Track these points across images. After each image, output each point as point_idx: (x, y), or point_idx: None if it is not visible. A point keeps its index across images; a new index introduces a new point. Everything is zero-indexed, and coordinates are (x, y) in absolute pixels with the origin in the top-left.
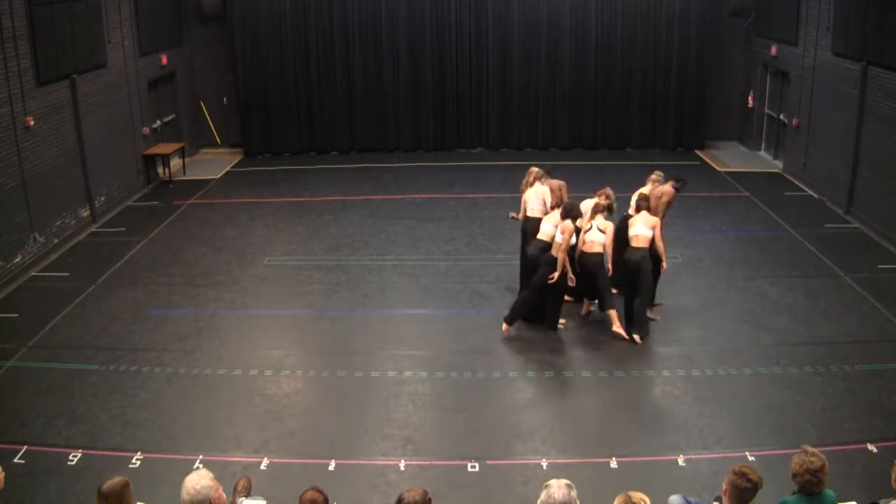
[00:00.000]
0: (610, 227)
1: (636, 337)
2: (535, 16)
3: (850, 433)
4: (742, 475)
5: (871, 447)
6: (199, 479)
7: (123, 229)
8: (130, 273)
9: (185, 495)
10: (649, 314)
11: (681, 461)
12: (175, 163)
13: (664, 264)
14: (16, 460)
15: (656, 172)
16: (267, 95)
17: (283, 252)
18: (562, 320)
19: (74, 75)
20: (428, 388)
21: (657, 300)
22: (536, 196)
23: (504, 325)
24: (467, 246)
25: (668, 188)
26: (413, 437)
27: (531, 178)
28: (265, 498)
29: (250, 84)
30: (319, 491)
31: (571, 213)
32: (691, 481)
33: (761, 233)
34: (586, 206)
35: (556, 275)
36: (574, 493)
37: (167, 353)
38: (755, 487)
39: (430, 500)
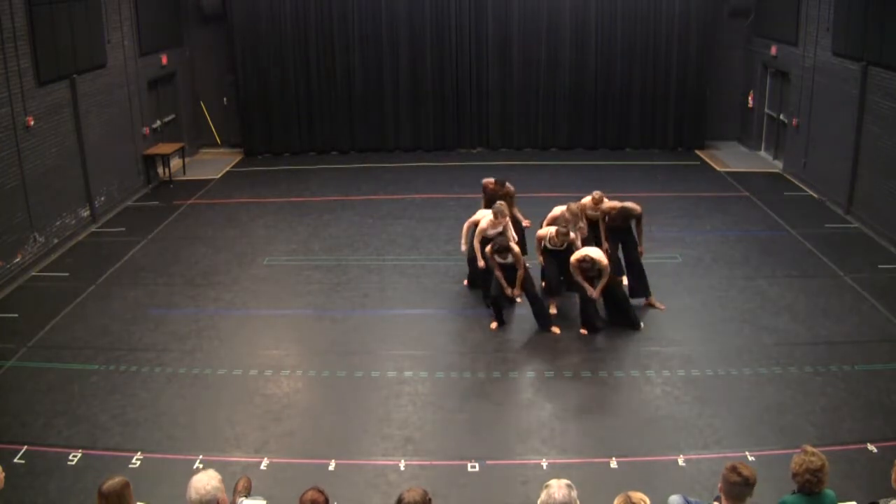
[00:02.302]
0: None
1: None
2: (536, 16)
3: (850, 433)
4: (733, 469)
5: (871, 447)
6: (208, 480)
7: (123, 229)
8: (130, 273)
9: (194, 494)
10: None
11: (681, 461)
12: (175, 163)
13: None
14: (16, 460)
15: (598, 193)
16: (267, 95)
17: (283, 252)
18: (555, 328)
19: (74, 75)
20: (428, 388)
21: (657, 299)
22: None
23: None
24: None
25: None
26: (413, 437)
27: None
28: (265, 498)
29: (250, 84)
30: (320, 491)
31: (498, 244)
32: (691, 481)
33: (761, 233)
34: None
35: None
36: (574, 493)
37: (167, 353)
38: (746, 482)
39: (430, 500)
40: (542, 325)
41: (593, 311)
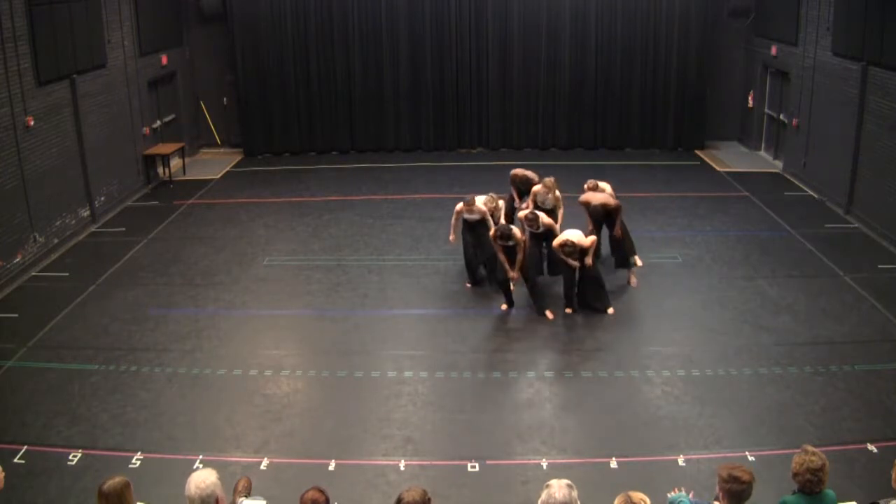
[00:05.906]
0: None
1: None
2: (535, 15)
3: (850, 433)
4: (734, 479)
5: (871, 447)
6: (207, 476)
7: (123, 229)
8: (130, 273)
9: (194, 489)
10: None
11: (681, 461)
12: (175, 163)
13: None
14: (16, 460)
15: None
16: (267, 95)
17: (283, 252)
18: (549, 313)
19: (74, 75)
20: (428, 388)
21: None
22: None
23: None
24: None
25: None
26: (413, 437)
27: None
28: (265, 498)
29: (250, 84)
30: (321, 491)
31: (501, 229)
32: (691, 481)
33: (761, 233)
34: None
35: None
36: (574, 493)
37: (167, 353)
38: (749, 486)
39: (429, 500)
40: (539, 308)
41: (576, 292)
